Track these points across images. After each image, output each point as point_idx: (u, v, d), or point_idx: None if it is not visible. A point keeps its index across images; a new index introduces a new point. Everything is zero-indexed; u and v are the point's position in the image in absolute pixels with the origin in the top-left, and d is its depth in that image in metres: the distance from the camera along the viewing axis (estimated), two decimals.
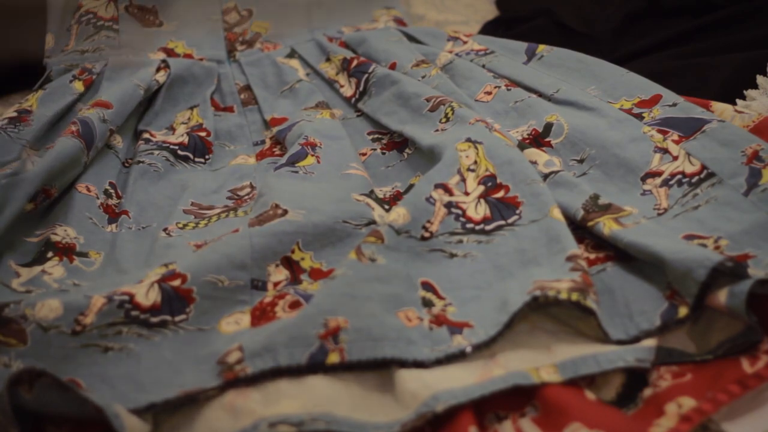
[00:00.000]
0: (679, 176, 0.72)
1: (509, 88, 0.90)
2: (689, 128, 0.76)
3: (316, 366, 0.58)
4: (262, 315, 0.64)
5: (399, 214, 0.69)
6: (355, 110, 0.95)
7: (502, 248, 0.68)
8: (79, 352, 0.60)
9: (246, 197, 0.81)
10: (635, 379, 0.59)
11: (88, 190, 0.81)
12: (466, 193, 0.72)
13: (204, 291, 0.64)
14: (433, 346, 0.61)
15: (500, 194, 0.71)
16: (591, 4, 1.10)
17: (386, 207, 0.75)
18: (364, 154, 0.87)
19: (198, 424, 0.56)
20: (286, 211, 0.70)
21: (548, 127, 0.82)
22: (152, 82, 0.95)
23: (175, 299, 0.63)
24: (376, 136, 0.91)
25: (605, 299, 0.63)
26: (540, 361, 0.60)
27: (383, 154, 0.87)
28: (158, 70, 0.98)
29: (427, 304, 0.64)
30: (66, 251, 0.73)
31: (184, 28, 1.06)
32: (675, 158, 0.73)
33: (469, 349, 0.60)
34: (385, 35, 1.04)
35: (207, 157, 0.89)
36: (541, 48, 0.96)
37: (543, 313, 0.63)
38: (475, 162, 0.73)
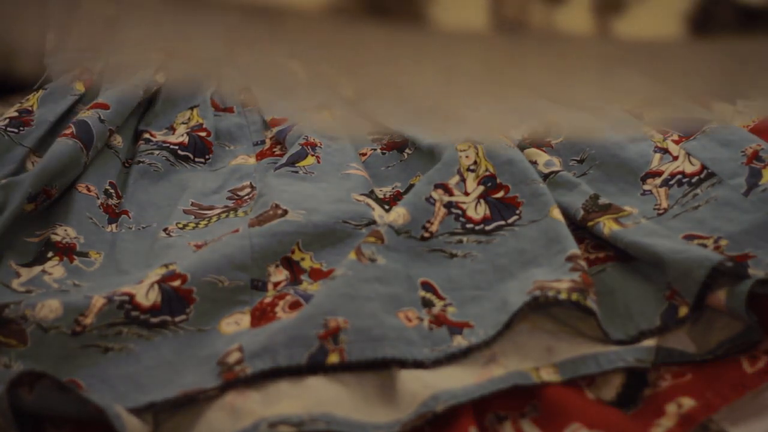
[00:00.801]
0: (679, 176, 0.72)
1: None
2: (689, 128, 0.76)
3: (316, 366, 0.58)
4: (262, 315, 0.64)
5: (399, 214, 0.69)
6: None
7: (502, 248, 0.68)
8: (79, 353, 0.60)
9: (246, 197, 0.81)
10: (635, 379, 0.59)
11: (89, 190, 0.81)
12: (466, 193, 0.72)
13: (204, 291, 0.64)
14: (433, 346, 0.60)
15: (500, 194, 0.71)
16: None
17: (386, 207, 0.75)
18: (364, 154, 0.87)
19: (198, 425, 0.56)
20: (286, 212, 0.70)
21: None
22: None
23: (175, 300, 0.63)
24: (376, 136, 0.90)
25: (605, 299, 0.63)
26: (540, 361, 0.59)
27: (383, 154, 0.87)
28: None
29: (427, 304, 0.64)
30: (66, 251, 0.73)
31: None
32: (675, 158, 0.73)
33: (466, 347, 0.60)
34: None
35: (207, 157, 0.89)
36: None
37: (543, 313, 0.63)
38: (475, 162, 0.73)
